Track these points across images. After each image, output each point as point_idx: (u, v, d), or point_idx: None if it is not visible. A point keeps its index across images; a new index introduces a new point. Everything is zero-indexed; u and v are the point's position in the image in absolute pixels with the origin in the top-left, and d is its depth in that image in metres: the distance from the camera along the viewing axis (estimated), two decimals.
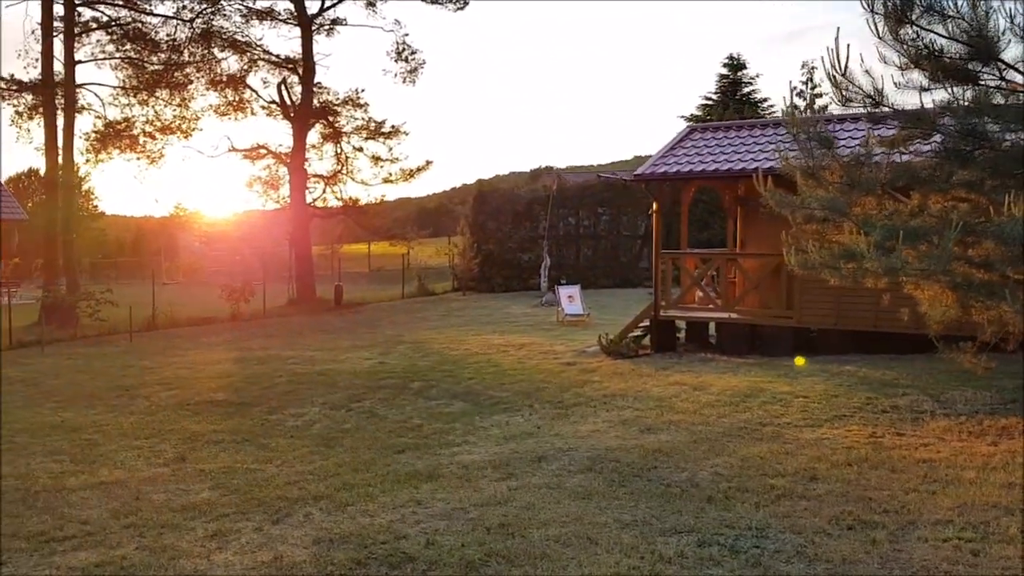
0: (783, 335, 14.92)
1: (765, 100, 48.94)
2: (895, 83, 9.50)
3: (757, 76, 64.13)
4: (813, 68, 43.03)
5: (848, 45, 9.84)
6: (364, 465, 8.77)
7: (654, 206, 16.19)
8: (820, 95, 45.13)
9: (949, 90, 8.58)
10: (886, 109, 9.52)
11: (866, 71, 9.72)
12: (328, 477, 8.36)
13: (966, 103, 8.66)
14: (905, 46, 9.34)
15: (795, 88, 45.73)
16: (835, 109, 10.61)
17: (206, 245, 61.42)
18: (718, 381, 12.12)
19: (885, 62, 9.67)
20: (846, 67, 9.80)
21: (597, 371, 13.97)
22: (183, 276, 42.59)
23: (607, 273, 32.92)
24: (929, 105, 9.26)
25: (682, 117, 57.17)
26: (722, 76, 50.48)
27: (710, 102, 50.48)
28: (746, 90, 50.00)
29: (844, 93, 9.86)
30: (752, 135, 16.24)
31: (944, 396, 10.45)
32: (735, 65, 50.22)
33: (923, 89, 9.23)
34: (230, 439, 10.31)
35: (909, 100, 9.55)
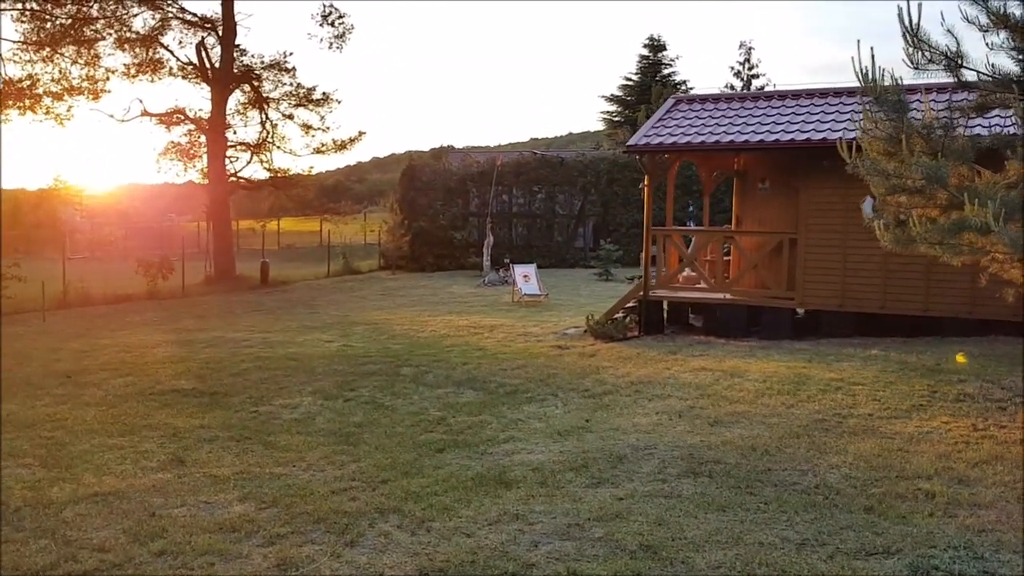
0: (783, 317, 14.22)
1: (685, 82, 48.77)
2: (987, 44, 8.76)
3: (677, 58, 64.27)
4: (751, 48, 43.02)
5: (919, 4, 8.97)
6: (411, 467, 7.47)
7: (646, 180, 15.18)
8: (757, 75, 45.42)
9: None
10: (977, 74, 8.73)
11: (948, 30, 8.94)
12: (377, 483, 7.04)
13: None
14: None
15: (732, 68, 45.78)
16: (907, 74, 9.70)
17: (87, 219, 57.95)
18: (748, 366, 11.24)
19: (968, 20, 8.93)
20: (918, 26, 8.97)
21: (598, 355, 12.92)
22: (89, 251, 39.56)
23: (543, 252, 31.88)
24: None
25: (603, 97, 56.85)
26: (643, 57, 50.12)
27: (630, 82, 50.09)
28: (666, 72, 49.75)
29: (924, 54, 8.98)
30: (746, 107, 15.43)
31: (1004, 382, 9.80)
32: (655, 46, 49.90)
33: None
34: (225, 436, 8.80)
35: (1000, 64, 8.83)
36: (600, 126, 52.39)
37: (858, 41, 10.76)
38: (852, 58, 9.06)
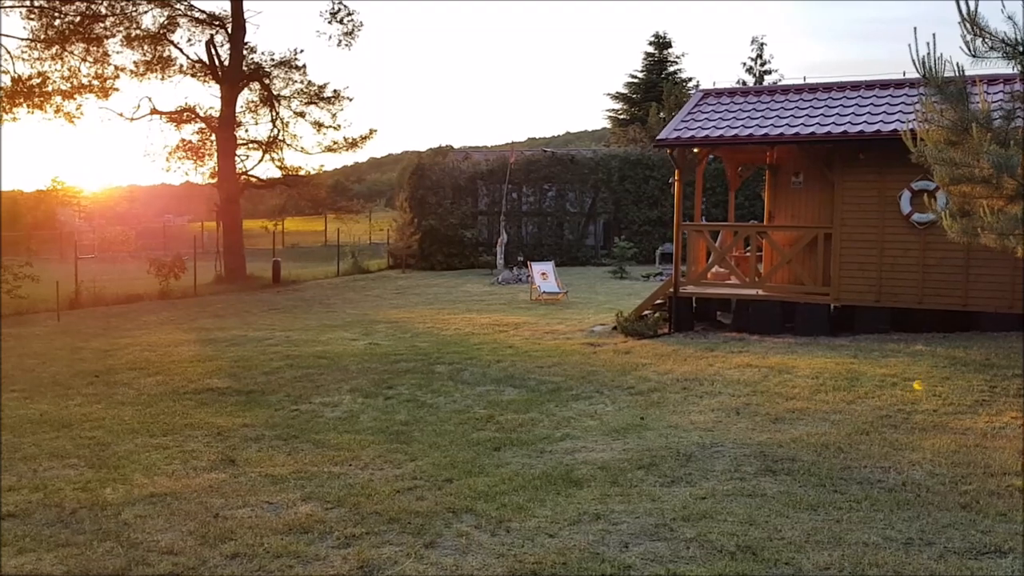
0: (819, 312, 14.00)
1: (692, 79, 48.56)
2: None
3: (683, 55, 63.95)
4: (763, 44, 42.76)
5: None
6: (472, 466, 7.25)
7: (676, 175, 14.97)
8: (769, 71, 45.21)
9: None
10: None
11: (1008, 17, 8.73)
12: (442, 483, 6.82)
13: None
14: None
15: (744, 64, 45.53)
16: (964, 62, 9.50)
17: (86, 220, 57.74)
18: (794, 363, 11.03)
19: None
20: (975, 12, 8.74)
21: (633, 352, 12.71)
22: (99, 250, 39.32)
23: (554, 250, 31.64)
24: None
25: (608, 95, 56.69)
26: (648, 55, 49.88)
27: (636, 80, 49.88)
28: (672, 69, 49.52)
29: (985, 42, 8.76)
30: (776, 100, 15.22)
31: None
32: (661, 43, 49.67)
33: None
34: (271, 435, 8.58)
35: None
36: (601, 124, 52.45)
37: (915, 29, 10.48)
38: (909, 45, 8.85)
